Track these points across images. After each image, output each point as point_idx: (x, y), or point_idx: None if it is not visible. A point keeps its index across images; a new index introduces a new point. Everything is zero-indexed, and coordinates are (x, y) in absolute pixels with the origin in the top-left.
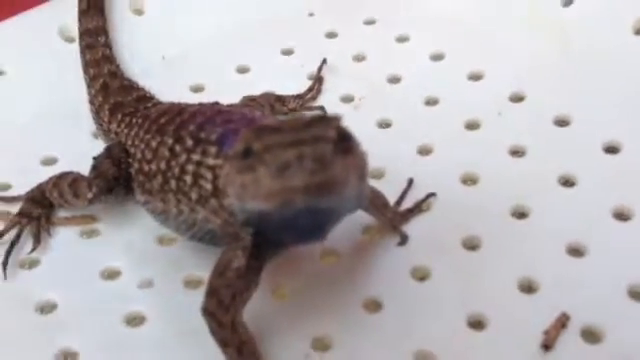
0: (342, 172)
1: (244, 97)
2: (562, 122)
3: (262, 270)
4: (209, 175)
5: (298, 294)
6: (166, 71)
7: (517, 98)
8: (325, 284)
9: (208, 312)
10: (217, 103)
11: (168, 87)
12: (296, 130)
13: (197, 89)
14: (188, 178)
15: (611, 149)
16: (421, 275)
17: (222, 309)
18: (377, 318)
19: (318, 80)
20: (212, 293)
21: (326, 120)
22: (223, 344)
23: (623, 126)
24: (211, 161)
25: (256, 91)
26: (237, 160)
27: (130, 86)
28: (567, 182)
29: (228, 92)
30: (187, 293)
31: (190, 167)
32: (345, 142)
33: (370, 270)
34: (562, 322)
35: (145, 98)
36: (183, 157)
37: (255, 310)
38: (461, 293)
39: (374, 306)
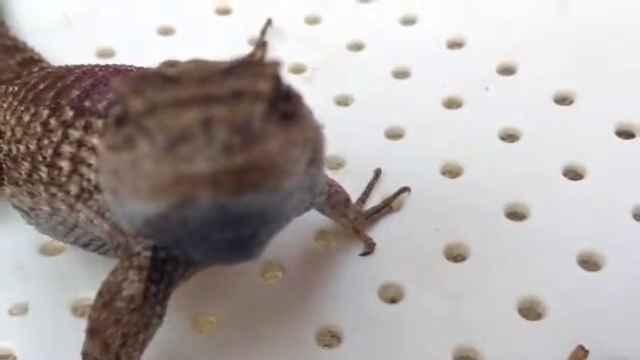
0: (281, 150)
1: (163, 62)
2: (563, 99)
3: (168, 298)
4: (93, 160)
5: (228, 325)
6: (67, 31)
7: (507, 70)
8: (265, 310)
9: (90, 359)
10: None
11: (69, 51)
12: (204, 80)
13: (106, 53)
14: (64, 164)
15: (625, 133)
16: (392, 296)
17: (109, 355)
18: (335, 355)
19: (261, 46)
20: (94, 332)
21: (257, 66)
22: None
23: (639, 104)
24: (96, 140)
25: (182, 58)
26: (109, 131)
27: (15, 47)
28: (574, 174)
29: (146, 59)
30: (75, 323)
31: (67, 148)
32: (287, 102)
33: (326, 290)
34: (579, 359)
35: (31, 61)
36: (58, 134)
37: (166, 349)
38: (444, 320)
39: (330, 339)
